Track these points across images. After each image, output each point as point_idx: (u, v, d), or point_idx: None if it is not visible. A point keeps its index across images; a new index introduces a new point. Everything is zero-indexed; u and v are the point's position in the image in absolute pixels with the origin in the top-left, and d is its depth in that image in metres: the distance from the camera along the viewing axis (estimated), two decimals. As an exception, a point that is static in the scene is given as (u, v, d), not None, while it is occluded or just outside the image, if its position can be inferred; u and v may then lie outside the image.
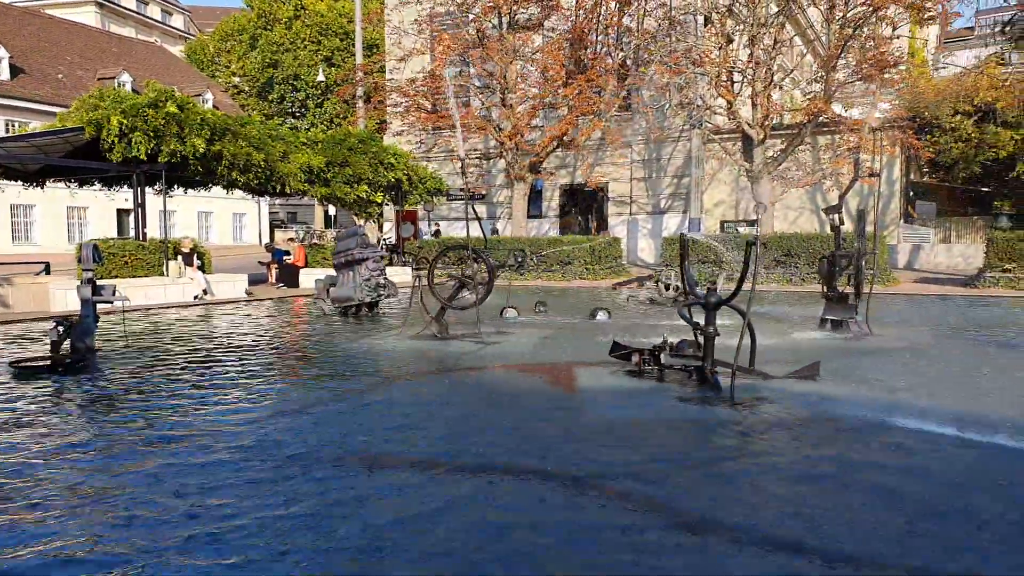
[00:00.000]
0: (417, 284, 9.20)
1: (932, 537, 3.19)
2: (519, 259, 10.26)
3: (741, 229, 24.23)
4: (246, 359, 7.85)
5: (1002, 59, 27.28)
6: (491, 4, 22.09)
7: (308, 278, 17.48)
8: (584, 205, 30.21)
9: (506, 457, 4.38)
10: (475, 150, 26.73)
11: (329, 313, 11.90)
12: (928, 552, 3.06)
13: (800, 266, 17.84)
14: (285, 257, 19.25)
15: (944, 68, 29.86)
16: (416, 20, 25.15)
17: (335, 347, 8.89)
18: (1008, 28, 27.06)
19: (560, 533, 3.25)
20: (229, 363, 7.58)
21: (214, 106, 39.97)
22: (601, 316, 11.26)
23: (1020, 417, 5.19)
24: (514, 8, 22.48)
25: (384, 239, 24.56)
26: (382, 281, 11.30)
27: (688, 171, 26.18)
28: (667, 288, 13.86)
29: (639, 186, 28.16)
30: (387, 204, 22.41)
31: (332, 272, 12.40)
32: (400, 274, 18.47)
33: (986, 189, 28.95)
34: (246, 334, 9.95)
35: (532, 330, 9.97)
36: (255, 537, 3.17)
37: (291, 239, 23.25)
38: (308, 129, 42.12)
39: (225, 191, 18.67)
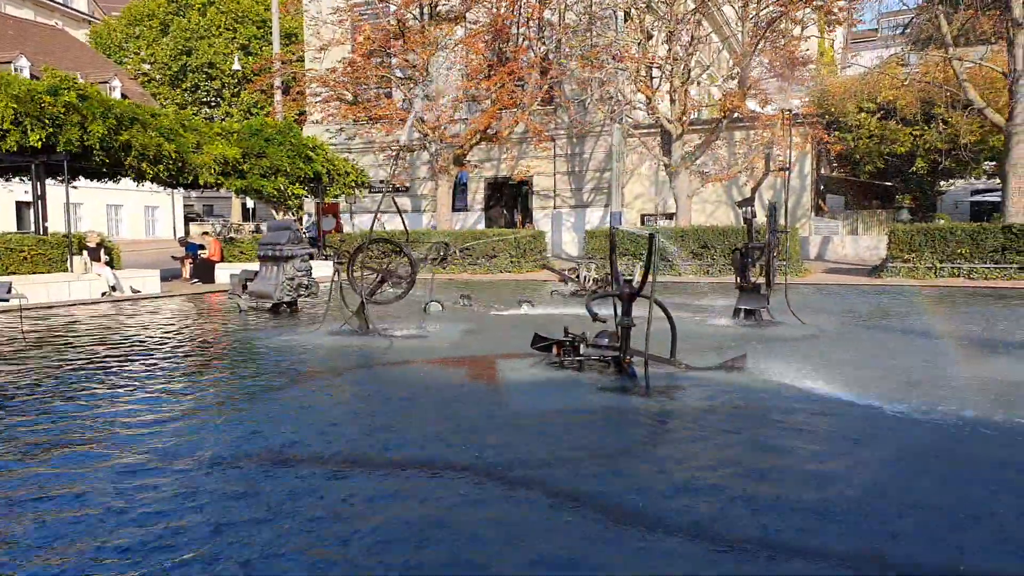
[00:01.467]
0: (337, 279, 9.02)
1: (844, 519, 3.33)
2: (442, 252, 10.20)
3: (661, 222, 24.80)
4: (155, 358, 7.54)
5: (902, 60, 28.73)
6: (412, -5, 21.88)
7: (224, 273, 16.94)
8: (509, 198, 30.30)
9: (428, 452, 4.35)
10: (397, 142, 26.40)
11: (245, 309, 11.55)
12: (833, 534, 3.19)
13: (716, 258, 18.37)
14: (200, 251, 18.59)
15: (850, 67, 31.24)
16: (335, 10, 24.62)
17: (251, 344, 8.64)
18: (907, 31, 28.50)
19: (484, 526, 3.24)
20: (136, 362, 7.26)
21: (122, 94, 38.17)
22: (525, 308, 11.33)
23: (904, 394, 5.49)
24: (435, -1, 22.34)
25: (304, 232, 24.01)
26: (306, 282, 11.04)
27: (610, 165, 26.58)
28: (589, 280, 14.04)
29: (563, 180, 28.42)
30: (307, 197, 21.91)
31: (248, 267, 12.03)
32: (321, 268, 18.10)
33: (889, 183, 30.53)
34: (156, 332, 9.56)
35: (456, 323, 9.94)
36: (162, 540, 3.04)
37: (206, 233, 22.47)
38: (224, 119, 40.76)
39: (135, 183, 17.86)
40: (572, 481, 3.82)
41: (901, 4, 23.32)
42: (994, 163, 25.42)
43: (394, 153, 23.09)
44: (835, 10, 19.30)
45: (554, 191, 28.49)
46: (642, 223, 26.38)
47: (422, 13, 22.73)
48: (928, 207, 30.34)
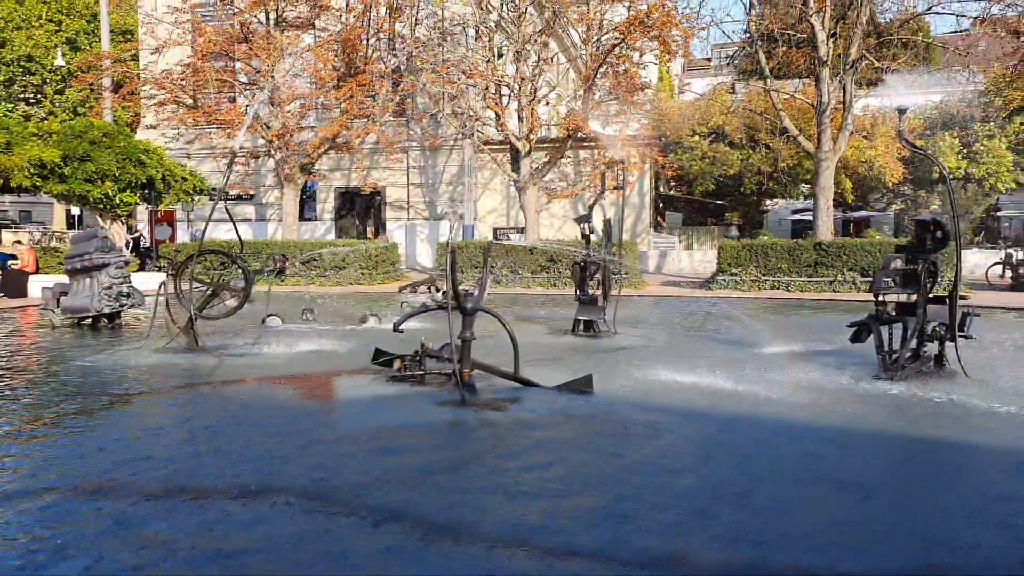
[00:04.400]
0: (164, 292, 8.46)
1: (671, 526, 3.51)
2: (279, 264, 9.84)
3: (513, 236, 25.29)
4: (-56, 382, 6.73)
5: (731, 88, 31.12)
6: (256, -1, 21.08)
7: (39, 286, 15.41)
8: (361, 209, 29.80)
9: (254, 475, 4.16)
10: (242, 148, 25.26)
11: (60, 325, 10.58)
12: (649, 539, 3.35)
13: (562, 271, 18.98)
14: (11, 262, 16.84)
15: (685, 93, 33.40)
16: (172, 9, 23.24)
17: (65, 364, 7.92)
18: (735, 62, 30.93)
19: (307, 550, 3.14)
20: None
21: (-81, 85, 33.96)
22: (371, 322, 11.15)
23: (727, 400, 5.92)
24: (282, 5, 21.63)
25: (137, 240, 22.39)
26: (125, 290, 10.26)
27: (463, 179, 26.83)
28: (440, 293, 14.05)
29: (416, 192, 28.36)
30: (140, 204, 20.46)
31: (64, 279, 11.03)
32: (154, 280, 16.92)
33: (720, 202, 32.92)
34: (-50, 353, 8.54)
35: (296, 339, 9.61)
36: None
37: (18, 241, 20.41)
38: (46, 118, 37.19)
39: (-72, 185, 15.94)
40: (403, 498, 3.79)
41: (727, 38, 25.32)
42: (808, 186, 28.01)
43: (232, 158, 22.09)
44: (669, 41, 20.59)
45: (408, 203, 28.36)
46: (495, 237, 26.79)
47: (268, 18, 21.96)
48: (755, 224, 33.00)
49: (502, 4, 21.53)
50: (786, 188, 31.06)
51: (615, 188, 18.03)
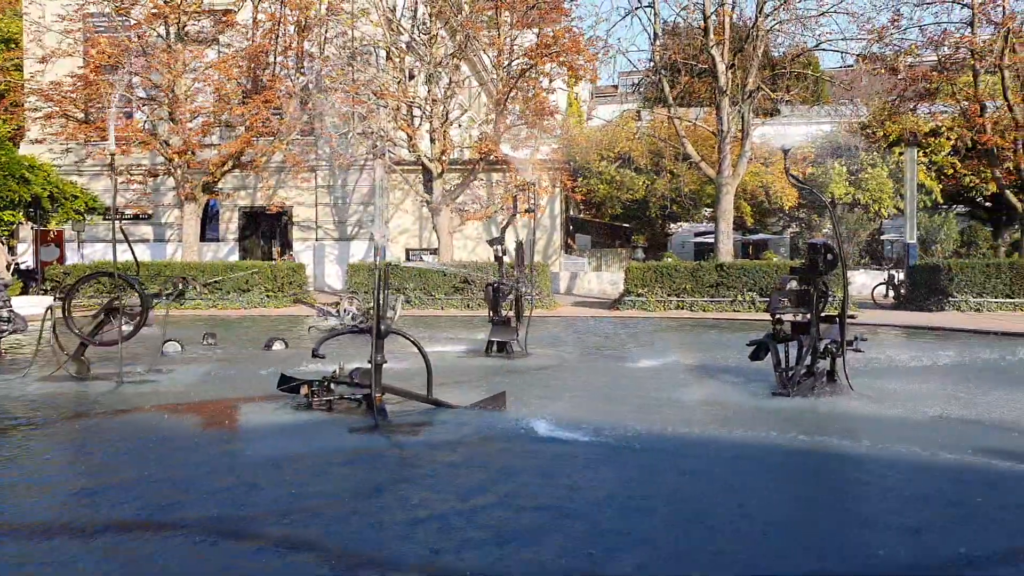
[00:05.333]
0: (50, 316, 7.94)
1: (574, 539, 3.52)
2: (179, 287, 9.42)
3: (426, 257, 25.18)
4: None
5: (637, 115, 32.17)
6: (156, 12, 20.30)
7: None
8: (267, 229, 28.98)
9: (149, 511, 3.93)
10: (139, 166, 24.18)
11: (-70, 354, 9.75)
12: (571, 559, 3.36)
13: (476, 292, 18.99)
14: None
15: (593, 119, 34.30)
16: (61, 17, 22.11)
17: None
18: (640, 89, 32.01)
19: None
20: None
21: None
22: (277, 346, 10.82)
23: (631, 418, 6.05)
24: (183, 19, 20.92)
25: (18, 263, 20.98)
26: (5, 315, 9.57)
27: (373, 199, 26.53)
28: (350, 316, 13.79)
29: (325, 211, 27.84)
30: (23, 223, 19.21)
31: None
32: (39, 304, 15.87)
33: (627, 225, 33.83)
34: None
35: (196, 365, 9.21)
36: None
37: None
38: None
39: None
40: (311, 528, 3.67)
41: (633, 67, 26.20)
42: (710, 210, 29.17)
43: (119, 173, 21.07)
44: (576, 68, 21.13)
45: (316, 223, 27.79)
46: (407, 258, 26.59)
47: (168, 32, 21.19)
48: (660, 246, 34.06)
49: (413, 26, 21.57)
50: (689, 212, 32.28)
51: (527, 211, 18.26)
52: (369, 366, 6.36)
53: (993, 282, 17.55)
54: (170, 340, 10.29)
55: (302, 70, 22.62)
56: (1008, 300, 17.35)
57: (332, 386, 6.52)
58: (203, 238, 25.35)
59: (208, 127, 21.95)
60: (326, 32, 22.15)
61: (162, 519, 3.78)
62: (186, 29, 21.40)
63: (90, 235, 26.66)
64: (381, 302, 6.31)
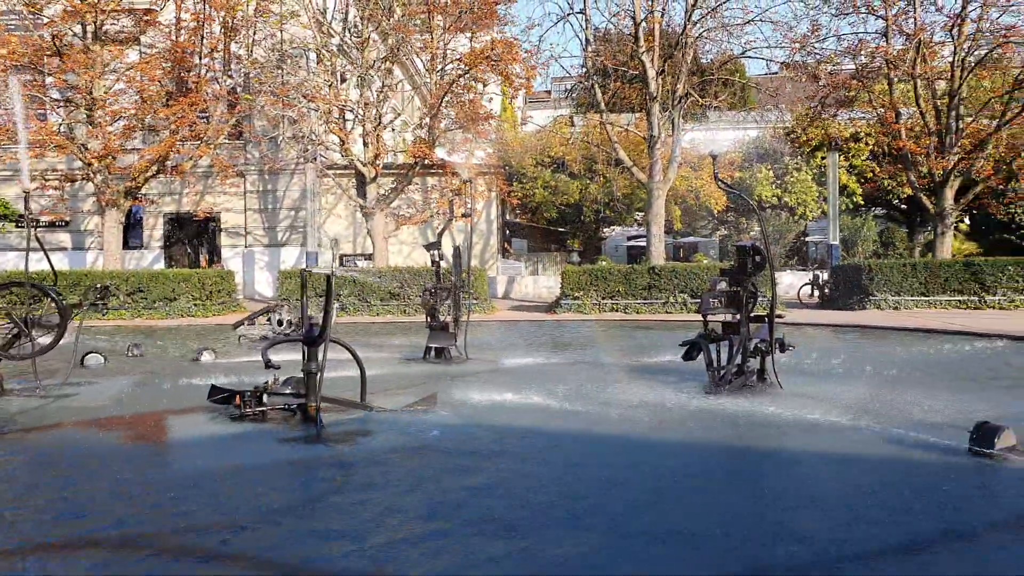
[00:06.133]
0: (-42, 331, 7.49)
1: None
2: (100, 296, 9.01)
3: (359, 263, 24.84)
4: None
5: (570, 121, 32.51)
6: (71, 10, 19.45)
7: None
8: (194, 236, 28.11)
9: (74, 527, 3.73)
10: (55, 170, 23.12)
11: None
12: (489, 568, 3.34)
13: (412, 298, 18.85)
14: None
15: (528, 124, 34.51)
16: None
17: None
18: (573, 95, 32.39)
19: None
20: None
21: None
22: (206, 357, 10.48)
23: (576, 420, 6.09)
24: (101, 18, 20.10)
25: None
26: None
27: (305, 204, 26.05)
28: (280, 324, 13.47)
29: (255, 217, 27.17)
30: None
31: None
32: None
33: (562, 229, 34.12)
34: None
35: (122, 377, 8.83)
36: None
37: None
38: None
39: None
40: (241, 542, 3.55)
41: (566, 73, 26.48)
42: (642, 213, 29.70)
43: (33, 179, 20.13)
44: (512, 76, 21.22)
45: (245, 229, 27.10)
46: (340, 264, 26.18)
47: (85, 31, 20.32)
48: (595, 250, 34.48)
49: (344, 29, 21.28)
50: (622, 216, 32.79)
51: (463, 215, 18.26)
52: (304, 375, 6.23)
53: (910, 281, 18.39)
54: (92, 352, 9.85)
55: (229, 72, 22.03)
56: (923, 298, 18.21)
57: (265, 396, 6.36)
58: (126, 246, 24.41)
59: (130, 130, 21.13)
60: (254, 34, 21.65)
61: (81, 537, 3.59)
62: (104, 28, 20.57)
63: (1, 244, 25.37)
64: (329, 311, 6.19)
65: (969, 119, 22.04)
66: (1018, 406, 6.81)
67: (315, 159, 21.69)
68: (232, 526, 3.80)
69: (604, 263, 27.10)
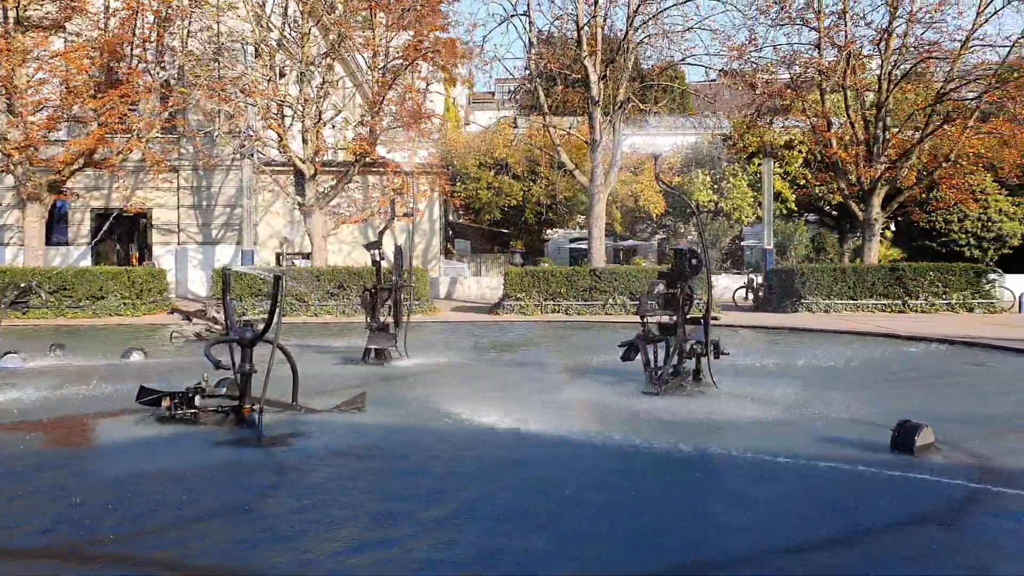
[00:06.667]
0: None
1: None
2: (21, 294, 8.60)
3: (298, 262, 24.36)
4: None
5: (514, 122, 32.60)
6: (-11, -8, 18.55)
7: None
8: (124, 232, 27.11)
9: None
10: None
11: None
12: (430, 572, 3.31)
13: (352, 298, 18.58)
14: None
15: (471, 125, 34.50)
16: None
17: None
18: (516, 97, 32.48)
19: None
20: None
21: None
22: (136, 357, 10.12)
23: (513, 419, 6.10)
24: (23, 2, 19.19)
25: None
26: None
27: (241, 201, 25.42)
28: (216, 323, 13.12)
29: (189, 214, 26.38)
30: None
31: None
32: None
33: (505, 231, 34.18)
34: None
35: (43, 379, 8.44)
36: None
37: None
38: None
39: None
40: (171, 548, 3.43)
41: (509, 74, 26.56)
42: (584, 216, 29.99)
43: None
44: (452, 72, 21.14)
45: (178, 226, 26.29)
46: (278, 262, 25.64)
47: (6, 16, 19.38)
48: (538, 252, 34.67)
49: (284, 23, 20.84)
50: (564, 218, 33.05)
51: (405, 215, 18.08)
52: (238, 375, 6.07)
53: (839, 285, 19.05)
54: (9, 352, 9.40)
55: (163, 64, 21.33)
56: (851, 301, 18.89)
57: (197, 398, 6.17)
58: (49, 242, 23.38)
59: (55, 121, 20.24)
60: (189, 25, 21.01)
61: (2, 548, 3.42)
62: (27, 13, 19.65)
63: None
64: (276, 311, 6.03)
65: (895, 130, 22.96)
66: (936, 405, 7.13)
67: (252, 155, 21.18)
68: (159, 532, 3.67)
69: (546, 265, 27.27)
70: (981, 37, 21.74)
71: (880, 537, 3.66)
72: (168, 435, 5.76)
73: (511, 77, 26.49)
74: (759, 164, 27.50)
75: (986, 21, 21.27)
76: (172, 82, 21.53)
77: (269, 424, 5.94)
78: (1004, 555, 3.48)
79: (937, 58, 22.06)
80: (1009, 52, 21.30)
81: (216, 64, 20.53)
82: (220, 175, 25.98)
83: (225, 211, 26.41)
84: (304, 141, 20.62)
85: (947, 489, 4.38)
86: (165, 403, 6.23)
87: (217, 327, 12.88)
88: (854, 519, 3.91)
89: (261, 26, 20.40)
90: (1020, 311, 19.04)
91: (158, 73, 21.15)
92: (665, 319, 7.57)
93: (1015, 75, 20.46)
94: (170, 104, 21.45)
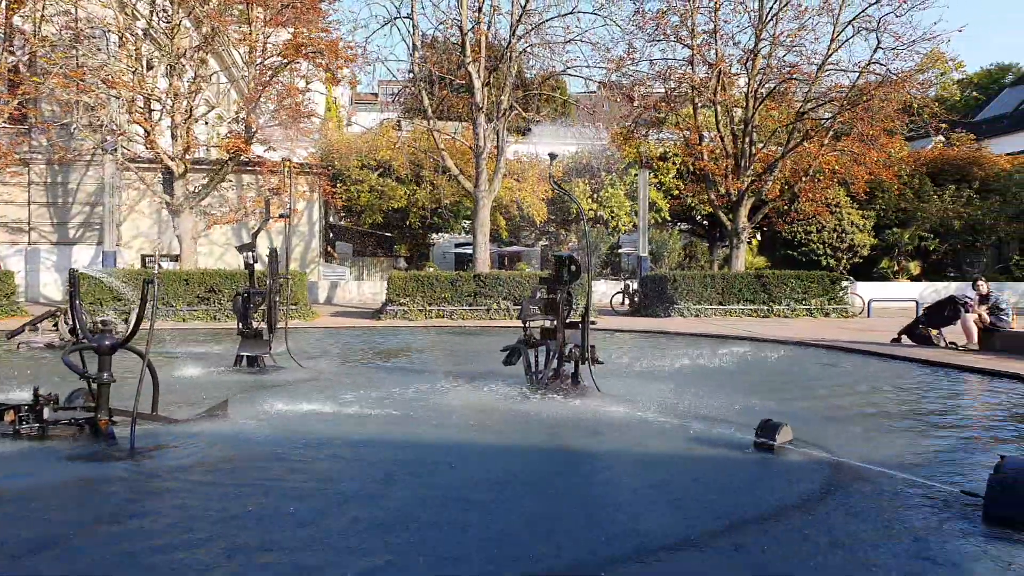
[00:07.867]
0: None
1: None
2: None
3: (164, 264, 23.05)
4: None
5: (397, 125, 32.23)
6: None
7: None
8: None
9: None
10: None
11: None
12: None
13: (224, 303, 17.76)
14: None
15: (353, 125, 33.82)
16: None
17: None
18: (400, 99, 32.13)
19: None
20: None
21: None
22: (-25, 367, 9.22)
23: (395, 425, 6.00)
24: None
25: None
26: None
27: (102, 199, 23.77)
28: (72, 331, 12.15)
29: (41, 212, 24.38)
30: None
31: None
32: None
33: (389, 234, 33.73)
34: None
35: None
36: None
37: None
38: None
39: None
40: (23, 572, 3.13)
41: (392, 76, 26.20)
42: (469, 221, 30.07)
43: None
44: (334, 70, 20.67)
45: (29, 224, 24.25)
46: (143, 264, 24.15)
47: None
48: (422, 256, 34.42)
49: (152, 13, 19.67)
50: (449, 223, 32.99)
51: (281, 216, 17.44)
52: (94, 386, 5.65)
53: (709, 291, 20.06)
54: None
55: (11, 48, 19.61)
56: (720, 307, 19.93)
57: (46, 411, 5.68)
58: None
59: None
60: (43, 8, 19.44)
61: None
62: None
63: None
64: (147, 315, 5.63)
65: (760, 145, 24.47)
66: (795, 404, 7.62)
67: (115, 150, 19.84)
68: (9, 555, 3.34)
69: (431, 269, 27.14)
70: (835, 62, 23.59)
71: (749, 526, 3.86)
72: (12, 452, 5.28)
73: (394, 79, 26.14)
74: (635, 175, 28.54)
75: (839, 47, 23.09)
76: (22, 68, 19.86)
77: (126, 436, 5.56)
78: (857, 534, 3.75)
79: (797, 79, 23.70)
80: (859, 77, 23.18)
81: (74, 51, 19.10)
82: (79, 171, 24.20)
83: (84, 209, 24.62)
84: (174, 137, 19.54)
85: (805, 479, 4.69)
86: (8, 417, 5.71)
87: (71, 336, 11.97)
88: (723, 511, 4.10)
89: (125, 14, 19.17)
90: (868, 315, 20.75)
91: (6, 58, 19.45)
92: (546, 324, 7.69)
93: (864, 98, 22.29)
94: (20, 92, 19.77)
